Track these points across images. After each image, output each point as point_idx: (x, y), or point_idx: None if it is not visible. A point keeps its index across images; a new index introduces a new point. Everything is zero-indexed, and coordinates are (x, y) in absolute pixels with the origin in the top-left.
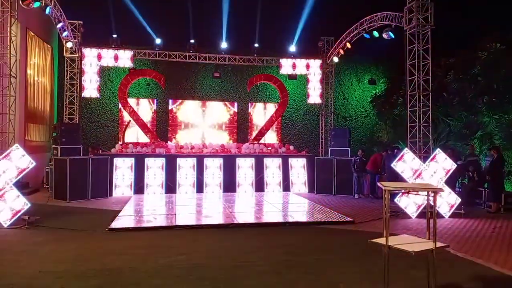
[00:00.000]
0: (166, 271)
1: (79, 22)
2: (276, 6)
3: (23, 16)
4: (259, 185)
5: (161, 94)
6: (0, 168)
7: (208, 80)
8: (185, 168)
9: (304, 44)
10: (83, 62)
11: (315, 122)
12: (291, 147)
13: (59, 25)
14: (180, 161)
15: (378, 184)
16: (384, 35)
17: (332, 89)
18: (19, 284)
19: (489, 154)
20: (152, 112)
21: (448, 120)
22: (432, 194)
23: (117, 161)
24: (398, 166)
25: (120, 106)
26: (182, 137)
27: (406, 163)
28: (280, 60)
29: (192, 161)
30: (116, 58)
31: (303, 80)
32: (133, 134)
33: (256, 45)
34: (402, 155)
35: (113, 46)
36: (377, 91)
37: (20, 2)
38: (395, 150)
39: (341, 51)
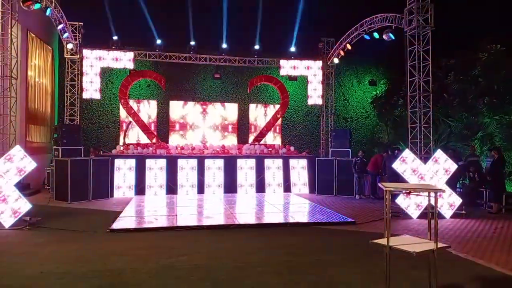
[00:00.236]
0: (167, 272)
1: (80, 23)
2: (277, 7)
3: (23, 18)
4: (260, 186)
5: (162, 95)
6: (1, 169)
7: (208, 81)
8: (186, 169)
9: (304, 45)
10: (83, 63)
11: (315, 123)
12: (292, 148)
13: (60, 27)
14: (181, 162)
15: (379, 184)
16: (385, 37)
17: (332, 90)
18: (20, 285)
19: (490, 155)
20: (153, 113)
21: (449, 121)
22: (433, 195)
23: (118, 162)
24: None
25: (120, 107)
26: (183, 138)
27: (407, 164)
28: (281, 61)
29: (193, 162)
30: (116, 59)
31: (304, 81)
32: (134, 136)
33: (257, 46)
34: (403, 157)
35: (113, 47)
36: (378, 92)
37: (21, 3)
38: (396, 151)
39: (342, 52)
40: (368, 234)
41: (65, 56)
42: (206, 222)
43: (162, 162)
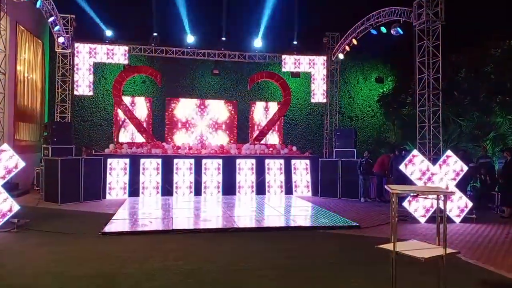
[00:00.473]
0: (162, 276)
1: (72, 16)
2: (279, 0)
3: (12, 10)
4: (260, 188)
5: (158, 92)
6: None
7: (206, 77)
8: (183, 169)
9: (308, 40)
10: (75, 58)
11: (319, 122)
12: (294, 148)
13: (51, 19)
14: (177, 162)
15: (386, 187)
16: (392, 31)
17: (337, 87)
18: None
19: (502, 157)
20: (148, 111)
21: (459, 121)
22: (442, 198)
23: (111, 162)
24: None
25: (114, 104)
26: (179, 137)
27: (415, 165)
28: (283, 57)
29: (190, 162)
30: (110, 54)
31: (307, 78)
32: (128, 134)
33: (258, 41)
34: (411, 158)
35: (107, 41)
36: (385, 89)
37: None
38: (403, 152)
39: (347, 48)
40: (374, 239)
41: (56, 50)
42: (204, 225)
43: (158, 162)
